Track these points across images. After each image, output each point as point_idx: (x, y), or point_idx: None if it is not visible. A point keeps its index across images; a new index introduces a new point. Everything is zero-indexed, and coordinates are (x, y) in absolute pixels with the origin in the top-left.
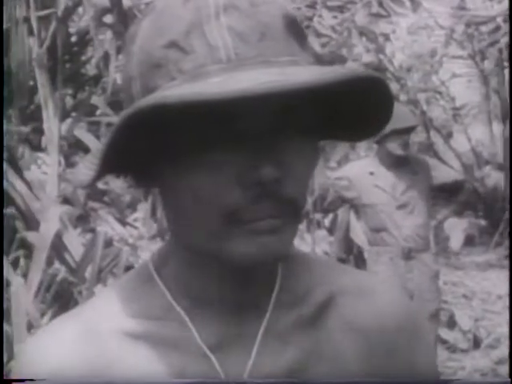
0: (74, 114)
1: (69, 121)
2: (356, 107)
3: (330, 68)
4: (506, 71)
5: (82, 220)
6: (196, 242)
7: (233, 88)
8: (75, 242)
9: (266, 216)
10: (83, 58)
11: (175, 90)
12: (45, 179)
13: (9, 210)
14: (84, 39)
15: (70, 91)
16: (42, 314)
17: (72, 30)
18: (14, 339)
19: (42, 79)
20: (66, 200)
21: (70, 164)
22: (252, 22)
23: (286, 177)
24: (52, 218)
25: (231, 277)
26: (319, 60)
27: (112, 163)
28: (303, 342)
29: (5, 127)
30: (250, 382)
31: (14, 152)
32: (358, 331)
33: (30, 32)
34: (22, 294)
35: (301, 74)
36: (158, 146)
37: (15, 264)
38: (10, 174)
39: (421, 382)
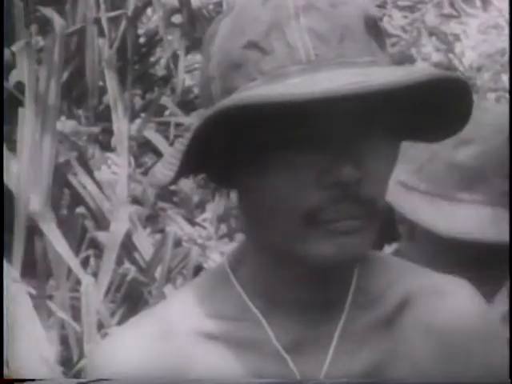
0: (143, 115)
1: (138, 121)
2: (435, 107)
3: (412, 69)
4: None
5: (152, 220)
6: (273, 242)
7: (314, 89)
8: (145, 241)
9: (345, 217)
10: (152, 58)
11: (256, 91)
12: (115, 179)
13: (79, 210)
14: (153, 40)
15: (138, 92)
16: (112, 314)
17: (141, 30)
18: (84, 338)
19: (111, 80)
20: (135, 200)
21: (139, 164)
22: (332, 23)
23: (365, 178)
24: (122, 218)
25: (308, 277)
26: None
27: (191, 163)
28: (379, 343)
29: (75, 127)
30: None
31: (85, 152)
32: (433, 332)
33: (100, 33)
34: (92, 293)
35: (383, 74)
36: (237, 146)
37: (85, 263)
38: (80, 174)
39: (424, 382)
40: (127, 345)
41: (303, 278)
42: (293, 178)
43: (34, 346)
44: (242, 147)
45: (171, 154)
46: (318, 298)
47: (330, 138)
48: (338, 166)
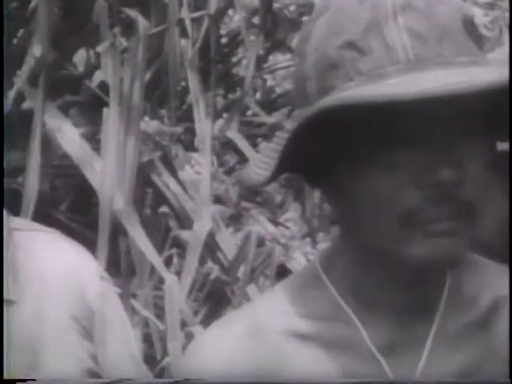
0: (225, 115)
1: (220, 121)
2: None
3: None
4: None
5: (235, 219)
6: (369, 242)
7: (415, 89)
8: (228, 241)
9: (443, 218)
10: (234, 58)
11: (355, 91)
12: (198, 179)
13: (162, 209)
14: (235, 40)
15: (221, 92)
16: (195, 313)
17: (223, 31)
18: (168, 337)
19: (193, 80)
20: (218, 199)
21: (222, 164)
22: (430, 23)
23: (464, 179)
24: (205, 217)
25: (402, 278)
26: None
27: (287, 163)
28: (473, 345)
29: (158, 127)
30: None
31: (168, 152)
32: None
33: (183, 34)
34: (176, 292)
35: (485, 74)
36: (334, 146)
37: (168, 262)
38: (164, 174)
39: (423, 382)
40: (217, 344)
41: (398, 278)
42: (390, 178)
43: (122, 344)
44: (339, 147)
45: (265, 154)
46: (413, 299)
47: (429, 138)
48: (437, 167)
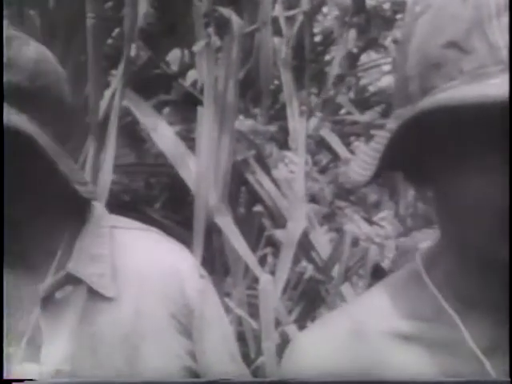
0: (318, 113)
1: (314, 120)
2: None
3: None
4: None
5: (329, 218)
6: (471, 242)
7: None
8: (322, 240)
9: None
10: (327, 57)
11: (457, 90)
12: (292, 178)
13: (257, 208)
14: (328, 38)
15: (314, 90)
16: (289, 312)
17: (316, 29)
18: (262, 336)
19: (286, 79)
20: (312, 198)
21: (316, 163)
22: None
23: None
24: (299, 216)
25: (504, 278)
26: None
27: (387, 162)
28: None
29: (253, 126)
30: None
31: (262, 151)
32: None
33: (276, 32)
34: (270, 291)
35: None
36: (435, 145)
37: (263, 261)
38: (258, 173)
39: (421, 382)
40: (318, 344)
41: (500, 278)
42: (495, 179)
43: (221, 342)
44: (441, 147)
45: (367, 153)
46: None
47: None
48: None
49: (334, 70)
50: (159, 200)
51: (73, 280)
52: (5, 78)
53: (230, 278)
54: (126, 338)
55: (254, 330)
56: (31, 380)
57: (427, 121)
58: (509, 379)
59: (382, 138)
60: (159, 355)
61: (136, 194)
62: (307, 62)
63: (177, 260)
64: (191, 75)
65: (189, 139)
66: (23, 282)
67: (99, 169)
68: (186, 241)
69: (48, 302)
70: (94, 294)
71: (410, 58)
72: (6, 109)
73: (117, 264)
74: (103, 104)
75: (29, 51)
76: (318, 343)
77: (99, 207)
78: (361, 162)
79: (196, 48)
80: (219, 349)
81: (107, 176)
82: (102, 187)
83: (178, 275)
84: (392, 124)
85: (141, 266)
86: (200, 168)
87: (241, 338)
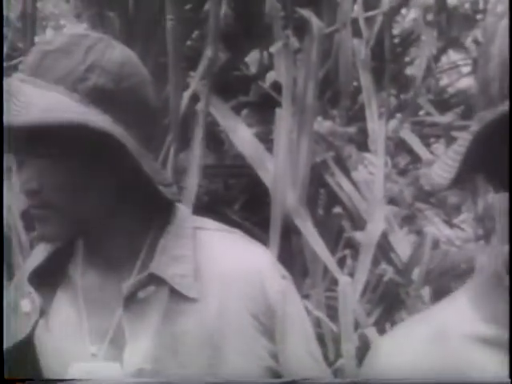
0: (398, 115)
1: (393, 121)
2: None
3: None
4: None
5: (409, 220)
6: None
7: None
8: (402, 242)
9: None
10: (407, 58)
11: None
12: (371, 179)
13: (336, 210)
14: (408, 39)
15: (393, 91)
16: (368, 314)
17: (395, 30)
18: (342, 338)
19: (365, 80)
20: (392, 200)
21: (395, 164)
22: None
23: None
24: (378, 218)
25: None
26: None
27: (469, 165)
28: None
29: (331, 127)
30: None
31: (341, 152)
32: None
33: (355, 33)
34: (349, 293)
35: None
36: None
37: (342, 263)
38: (337, 175)
39: (420, 382)
40: (400, 347)
41: None
42: None
43: (303, 343)
44: None
45: (449, 156)
46: None
47: None
48: None
49: (417, 71)
50: (238, 201)
51: (156, 280)
52: (90, 81)
53: (309, 280)
54: (208, 338)
55: (332, 332)
56: (31, 380)
57: (510, 123)
58: (509, 380)
59: (464, 140)
60: (241, 355)
61: (215, 195)
62: (387, 62)
63: (259, 261)
64: (270, 77)
65: (267, 141)
66: (107, 282)
67: (179, 170)
68: (264, 242)
69: (131, 301)
70: (176, 295)
71: (492, 59)
72: (93, 110)
73: (199, 265)
74: (183, 105)
75: (113, 54)
76: (400, 347)
77: (182, 208)
78: (443, 164)
79: (274, 49)
80: (301, 350)
81: (194, 179)
82: (189, 190)
83: (260, 276)
84: (475, 126)
85: (223, 267)
86: (278, 169)
87: (319, 340)
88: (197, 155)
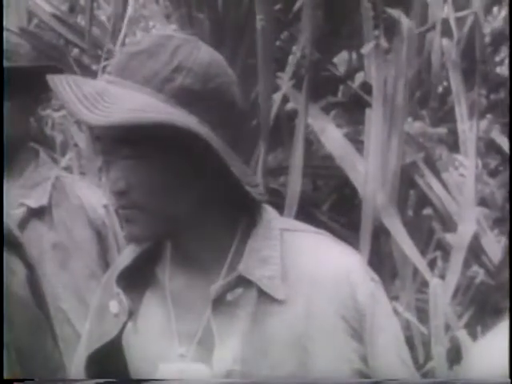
0: (488, 116)
1: (484, 122)
2: None
3: None
4: None
5: (500, 222)
6: None
7: None
8: (493, 244)
9: None
10: (497, 58)
11: None
12: (462, 181)
13: (426, 211)
14: (499, 39)
15: (483, 92)
16: (459, 316)
17: (486, 30)
18: (432, 340)
19: (455, 80)
20: (483, 202)
21: (485, 165)
22: None
23: None
24: (469, 220)
25: None
26: None
27: None
28: None
29: (422, 128)
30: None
31: (432, 154)
32: None
33: (445, 33)
34: (440, 295)
35: None
36: None
37: (432, 265)
38: (427, 176)
39: (420, 382)
40: (493, 353)
41: None
42: None
43: (393, 346)
44: None
45: None
46: None
47: None
48: None
49: (504, 71)
50: (326, 202)
51: (244, 282)
52: (177, 81)
53: (398, 282)
54: (296, 340)
55: (422, 334)
56: (31, 380)
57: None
58: (509, 380)
59: None
60: (330, 358)
61: (304, 196)
62: (477, 62)
63: (348, 263)
64: (359, 77)
65: (356, 141)
66: (195, 284)
67: (269, 171)
68: (353, 243)
69: (219, 303)
70: (264, 296)
71: None
72: (179, 111)
73: (287, 266)
74: (274, 107)
75: (200, 54)
76: (493, 352)
77: (269, 210)
78: None
79: (365, 50)
80: (390, 353)
81: (296, 182)
82: (292, 193)
83: (349, 279)
84: None
85: (311, 268)
86: (368, 171)
87: (409, 343)
88: (299, 159)
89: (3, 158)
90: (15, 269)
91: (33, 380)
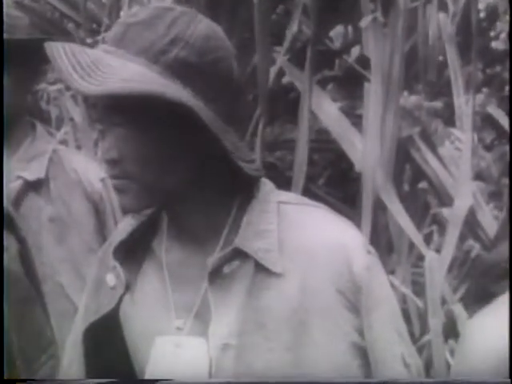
0: (484, 90)
1: (480, 96)
2: None
3: None
4: None
5: (495, 196)
6: None
7: None
8: (488, 218)
9: None
10: (492, 33)
11: None
12: (458, 155)
13: (422, 185)
14: (494, 14)
15: (479, 66)
16: (455, 290)
17: (481, 5)
18: (428, 314)
19: (451, 54)
20: (478, 176)
21: (481, 140)
22: None
23: None
24: (465, 194)
25: None
26: None
27: None
28: None
29: (418, 102)
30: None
31: (428, 128)
32: None
33: (441, 7)
34: (436, 268)
35: None
36: None
37: (428, 239)
38: (423, 150)
39: (419, 382)
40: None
41: None
42: None
43: (389, 319)
44: None
45: None
46: None
47: None
48: None
49: (503, 45)
50: (323, 176)
51: (240, 255)
52: (172, 53)
53: (394, 255)
54: (292, 313)
55: (418, 308)
56: (33, 380)
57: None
58: (509, 380)
59: None
60: (326, 331)
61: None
62: (473, 37)
63: (344, 236)
64: (355, 51)
65: (352, 115)
66: (191, 256)
67: (267, 145)
68: (349, 217)
69: (216, 276)
70: (260, 269)
71: None
72: (172, 83)
73: (284, 239)
74: (270, 80)
75: (198, 27)
76: (488, 330)
77: (266, 182)
78: None
79: (363, 23)
80: (387, 326)
81: (303, 156)
82: (298, 168)
83: (346, 251)
84: None
85: (308, 241)
86: (366, 145)
87: (404, 316)
88: (304, 135)
89: (3, 157)
90: (7, 244)
91: (34, 380)
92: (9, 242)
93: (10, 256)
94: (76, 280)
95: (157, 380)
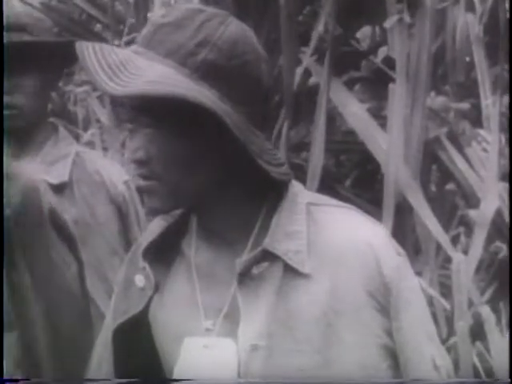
0: None
1: (507, 97)
2: None
3: None
4: None
5: None
6: None
7: None
8: None
9: None
10: None
11: None
12: (485, 156)
13: (449, 187)
14: None
15: (506, 67)
16: (482, 292)
17: (508, 5)
18: (455, 316)
19: (479, 55)
20: (505, 177)
21: (508, 141)
22: None
23: None
24: (492, 196)
25: None
26: None
27: None
28: None
29: (445, 103)
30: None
31: (455, 128)
32: None
33: (469, 8)
34: (463, 271)
35: None
36: None
37: (455, 241)
38: (450, 151)
39: (422, 382)
40: None
41: None
42: None
43: (419, 321)
44: None
45: None
46: None
47: None
48: None
49: None
50: (349, 177)
51: (269, 256)
52: (200, 56)
53: (422, 257)
54: (321, 314)
55: (445, 310)
56: (30, 380)
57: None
58: (509, 380)
59: None
60: (356, 332)
61: (326, 172)
62: (500, 37)
63: (374, 238)
64: (382, 52)
65: (379, 116)
66: (220, 258)
67: (290, 146)
68: (376, 218)
69: (245, 277)
70: (290, 270)
71: None
72: (198, 85)
73: (313, 241)
74: (295, 82)
75: (227, 30)
76: None
77: (295, 184)
78: None
79: (388, 24)
80: (417, 328)
81: (319, 157)
82: (313, 168)
83: (375, 253)
84: None
85: (338, 243)
86: (391, 146)
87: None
88: (321, 134)
89: (3, 157)
90: (68, 261)
91: (33, 380)
92: (69, 260)
93: (72, 275)
94: (100, 283)
95: (182, 380)
